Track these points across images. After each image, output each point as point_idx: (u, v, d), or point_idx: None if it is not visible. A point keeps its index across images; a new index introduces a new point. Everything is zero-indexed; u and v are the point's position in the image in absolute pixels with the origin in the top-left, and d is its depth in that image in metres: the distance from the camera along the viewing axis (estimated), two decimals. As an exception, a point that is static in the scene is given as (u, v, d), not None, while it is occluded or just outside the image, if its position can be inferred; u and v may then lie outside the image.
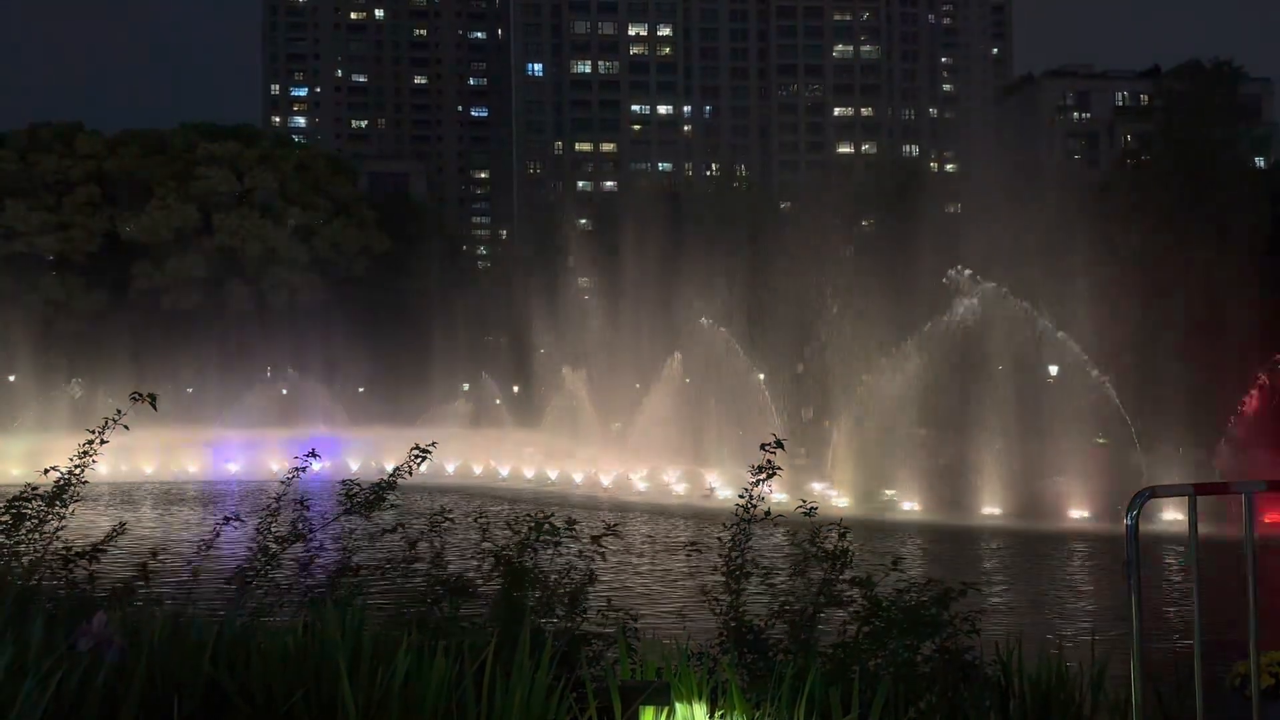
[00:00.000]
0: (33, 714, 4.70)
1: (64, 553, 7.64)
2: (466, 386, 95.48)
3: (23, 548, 7.44)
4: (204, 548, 8.30)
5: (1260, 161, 76.57)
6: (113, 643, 5.27)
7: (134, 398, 8.15)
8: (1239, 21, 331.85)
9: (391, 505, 8.58)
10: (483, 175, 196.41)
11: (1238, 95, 72.36)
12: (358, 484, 8.61)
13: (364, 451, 54.22)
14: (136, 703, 5.14)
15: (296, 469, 9.14)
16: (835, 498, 37.24)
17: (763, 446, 8.30)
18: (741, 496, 8.00)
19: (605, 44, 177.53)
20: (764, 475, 8.11)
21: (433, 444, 9.07)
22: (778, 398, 51.75)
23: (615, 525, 8.98)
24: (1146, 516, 5.30)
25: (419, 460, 8.89)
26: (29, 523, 7.63)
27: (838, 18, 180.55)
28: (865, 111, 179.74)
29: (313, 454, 9.45)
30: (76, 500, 8.04)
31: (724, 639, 7.16)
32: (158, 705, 5.24)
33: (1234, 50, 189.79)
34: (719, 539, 7.89)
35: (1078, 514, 34.17)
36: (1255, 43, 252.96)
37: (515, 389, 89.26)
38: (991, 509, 35.90)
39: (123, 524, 8.36)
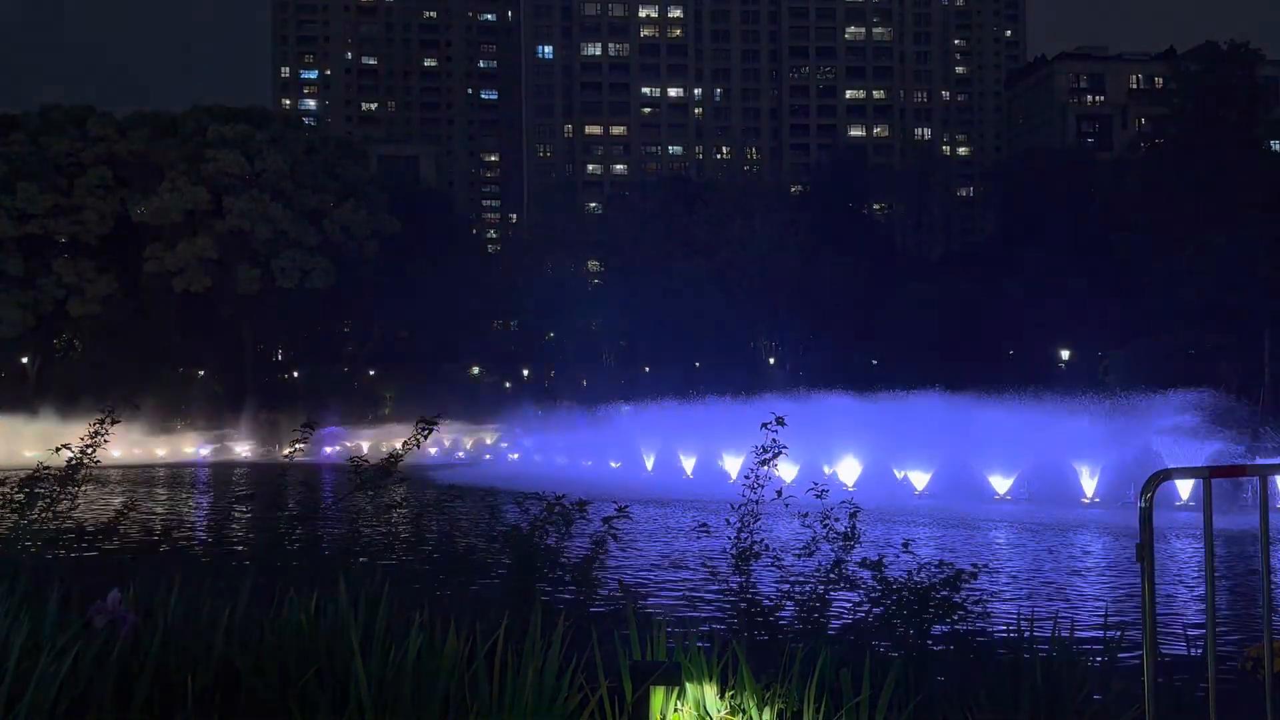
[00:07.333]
0: (48, 689, 4.72)
1: (78, 531, 7.69)
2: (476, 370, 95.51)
3: (37, 526, 7.49)
4: (217, 526, 8.34)
5: (1276, 144, 75.81)
6: (127, 619, 5.30)
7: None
8: (1256, 3, 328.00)
9: (401, 478, 8.60)
10: (492, 158, 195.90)
11: (1254, 78, 71.51)
12: (365, 461, 8.64)
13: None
14: (150, 679, 5.16)
15: (297, 446, 9.19)
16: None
17: (764, 426, 8.14)
18: (747, 477, 7.91)
19: (616, 26, 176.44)
20: (770, 455, 8.02)
21: (437, 416, 9.12)
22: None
23: (626, 508, 8.96)
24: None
25: (425, 433, 8.94)
26: (42, 502, 7.67)
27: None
28: (877, 94, 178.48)
29: (308, 425, 9.52)
30: (89, 480, 8.07)
31: (734, 620, 7.14)
32: (171, 681, 5.26)
33: (1251, 33, 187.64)
34: (727, 520, 7.82)
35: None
36: (1273, 25, 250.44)
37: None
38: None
39: (133, 502, 8.40)
